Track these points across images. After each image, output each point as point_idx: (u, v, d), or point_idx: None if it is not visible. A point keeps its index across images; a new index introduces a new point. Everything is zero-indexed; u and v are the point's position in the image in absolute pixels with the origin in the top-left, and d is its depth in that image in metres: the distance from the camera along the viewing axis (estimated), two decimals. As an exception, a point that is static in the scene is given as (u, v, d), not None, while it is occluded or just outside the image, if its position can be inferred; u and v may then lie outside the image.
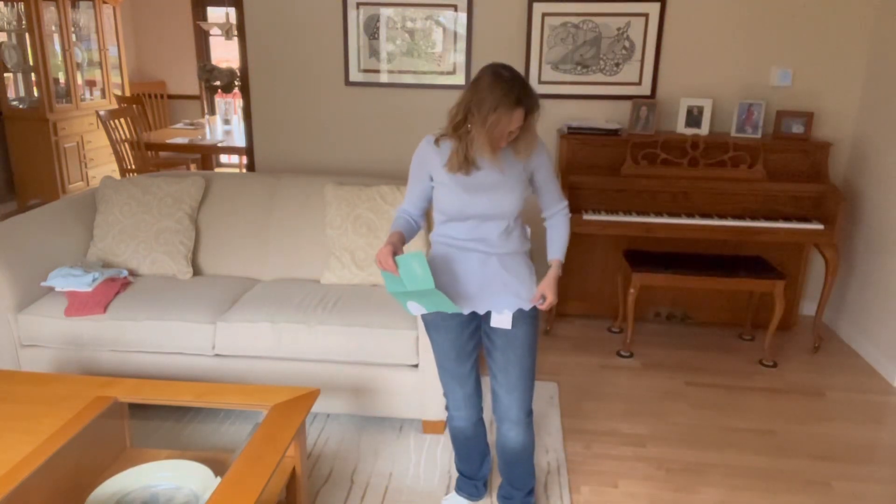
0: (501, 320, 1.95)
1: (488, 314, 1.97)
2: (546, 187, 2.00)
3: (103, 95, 6.68)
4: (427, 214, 2.07)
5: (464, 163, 1.84)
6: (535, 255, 2.07)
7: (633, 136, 3.51)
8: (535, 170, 1.94)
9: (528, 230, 2.06)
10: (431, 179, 1.94)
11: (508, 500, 2.19)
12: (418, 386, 2.63)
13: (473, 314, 1.99)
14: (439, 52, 3.87)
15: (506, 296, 1.94)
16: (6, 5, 5.80)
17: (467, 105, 1.78)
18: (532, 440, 2.09)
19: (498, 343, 1.98)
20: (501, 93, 1.72)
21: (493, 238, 1.91)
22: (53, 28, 5.97)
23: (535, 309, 1.97)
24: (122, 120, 5.53)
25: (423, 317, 2.04)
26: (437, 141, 1.91)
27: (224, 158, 7.55)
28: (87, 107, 6.35)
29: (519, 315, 1.95)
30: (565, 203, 2.06)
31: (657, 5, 3.64)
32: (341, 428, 2.77)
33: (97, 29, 6.50)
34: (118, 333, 2.68)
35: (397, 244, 1.87)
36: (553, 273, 1.98)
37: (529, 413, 2.05)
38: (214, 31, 7.03)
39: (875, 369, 3.39)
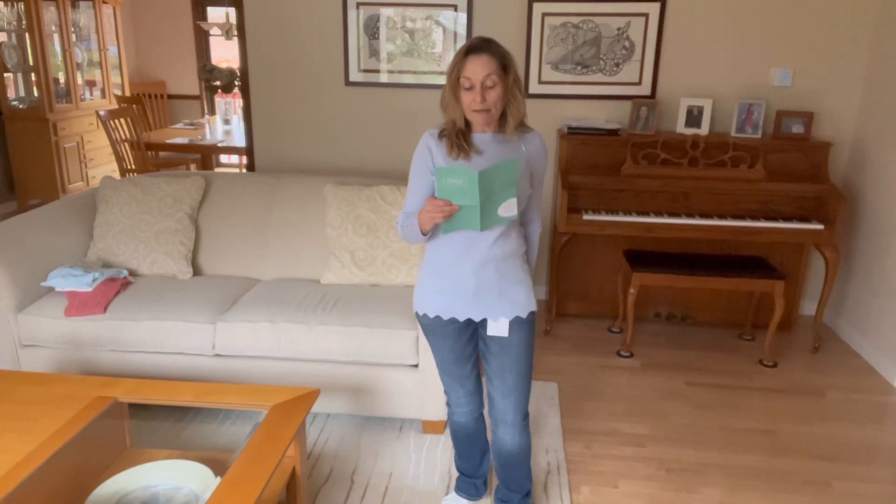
0: (498, 328, 1.93)
1: (485, 319, 1.95)
2: (533, 189, 1.98)
3: (103, 95, 6.68)
4: None
5: (460, 141, 1.83)
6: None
7: (633, 136, 3.51)
8: (533, 167, 1.92)
9: (524, 231, 2.06)
10: (433, 174, 1.91)
11: (506, 503, 2.18)
12: (418, 386, 2.63)
13: (470, 319, 1.97)
14: (439, 52, 3.87)
15: (502, 303, 1.92)
16: (6, 5, 5.80)
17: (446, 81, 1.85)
18: (528, 442, 2.09)
19: (494, 349, 1.96)
20: (458, 49, 1.82)
21: (490, 240, 1.88)
22: (53, 28, 5.97)
23: (531, 314, 1.96)
24: (122, 120, 5.53)
25: (422, 322, 2.03)
26: (439, 135, 1.89)
27: (224, 158, 7.55)
28: (87, 107, 6.35)
29: (515, 322, 1.93)
30: (539, 212, 2.06)
31: (657, 5, 3.64)
32: (341, 428, 2.77)
33: (97, 29, 6.50)
34: (118, 333, 2.68)
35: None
36: None
37: (525, 416, 2.05)
38: (214, 31, 7.03)
39: (875, 369, 3.39)
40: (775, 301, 3.29)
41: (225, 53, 7.74)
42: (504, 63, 1.79)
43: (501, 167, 1.69)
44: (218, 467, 1.95)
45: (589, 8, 3.67)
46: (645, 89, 3.77)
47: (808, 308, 3.90)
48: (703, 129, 3.63)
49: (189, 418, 2.79)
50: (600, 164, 3.56)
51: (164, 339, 2.67)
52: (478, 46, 1.78)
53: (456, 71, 1.79)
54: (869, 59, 3.60)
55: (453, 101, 1.82)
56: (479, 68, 1.76)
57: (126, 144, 5.56)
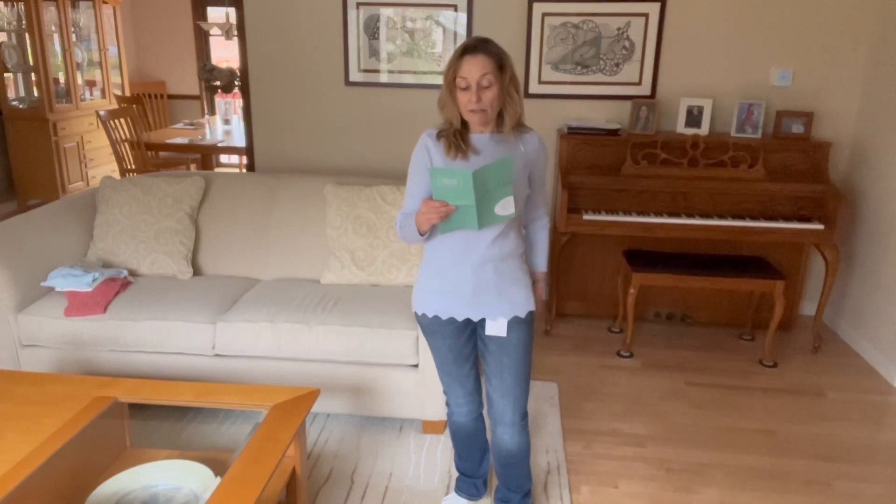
0: (496, 328, 1.93)
1: (483, 319, 1.95)
2: (534, 188, 1.98)
3: (103, 95, 6.68)
4: None
5: (458, 141, 1.83)
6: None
7: (633, 136, 3.51)
8: (532, 167, 1.93)
9: (524, 231, 2.06)
10: None
11: (505, 503, 2.18)
12: (418, 386, 2.63)
13: (469, 319, 1.97)
14: (439, 52, 3.87)
15: (500, 303, 1.92)
16: (6, 5, 5.80)
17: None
18: (527, 442, 2.09)
19: (492, 348, 1.97)
20: (455, 49, 1.82)
21: (488, 240, 1.88)
22: (53, 28, 5.97)
23: (530, 314, 1.96)
24: (122, 120, 5.53)
25: (421, 322, 2.03)
26: (437, 135, 1.89)
27: (224, 158, 7.55)
28: (87, 107, 6.35)
29: (514, 321, 1.93)
30: (546, 210, 2.10)
31: (657, 5, 3.64)
32: (341, 428, 2.77)
33: (97, 29, 6.50)
34: (118, 333, 2.68)
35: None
36: (541, 286, 2.08)
37: (524, 416, 2.05)
38: (214, 31, 7.03)
39: (875, 369, 3.39)
40: (775, 301, 3.29)
41: (225, 53, 7.74)
42: (500, 62, 1.79)
43: (495, 166, 1.69)
44: (218, 467, 1.95)
45: (589, 8, 3.67)
46: (645, 89, 3.77)
47: (808, 308, 3.90)
48: (703, 129, 3.63)
49: (189, 418, 2.80)
50: (600, 164, 3.56)
51: (164, 339, 2.67)
52: (473, 46, 1.78)
53: (452, 71, 1.79)
54: (869, 59, 3.60)
55: (450, 101, 1.82)
56: (474, 68, 1.76)
57: (126, 144, 5.56)
